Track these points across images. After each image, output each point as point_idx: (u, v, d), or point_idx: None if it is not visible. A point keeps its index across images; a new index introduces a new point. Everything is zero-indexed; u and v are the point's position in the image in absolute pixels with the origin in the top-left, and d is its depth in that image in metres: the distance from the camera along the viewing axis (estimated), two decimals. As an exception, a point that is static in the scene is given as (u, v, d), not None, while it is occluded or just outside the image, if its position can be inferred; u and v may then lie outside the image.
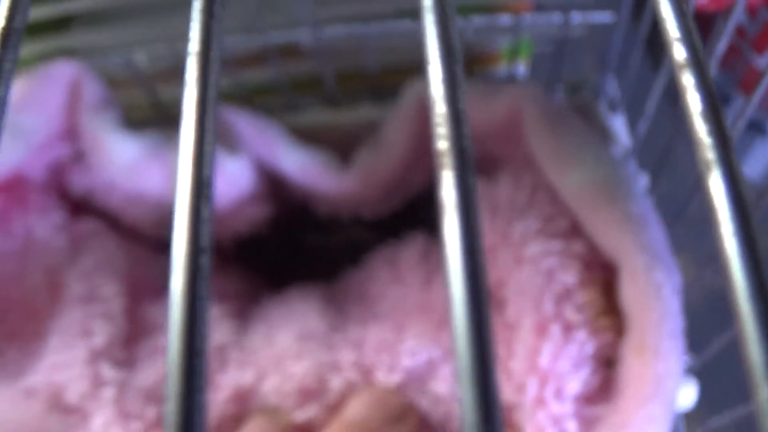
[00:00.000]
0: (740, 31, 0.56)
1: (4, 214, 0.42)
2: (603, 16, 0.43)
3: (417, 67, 0.48)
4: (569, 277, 0.37)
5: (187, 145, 0.16)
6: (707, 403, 0.38)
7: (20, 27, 0.18)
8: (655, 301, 0.34)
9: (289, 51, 0.47)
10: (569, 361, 0.35)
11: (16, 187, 0.42)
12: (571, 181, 0.37)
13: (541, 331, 0.36)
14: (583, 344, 0.36)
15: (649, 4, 0.40)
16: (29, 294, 0.42)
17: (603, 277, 0.37)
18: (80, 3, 0.44)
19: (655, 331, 0.34)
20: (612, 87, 0.47)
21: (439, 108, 0.16)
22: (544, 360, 0.36)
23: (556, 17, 0.43)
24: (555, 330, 0.36)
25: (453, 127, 0.16)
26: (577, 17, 0.43)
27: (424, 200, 0.46)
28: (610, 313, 0.36)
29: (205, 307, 0.15)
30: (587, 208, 0.37)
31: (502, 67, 0.52)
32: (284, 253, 0.50)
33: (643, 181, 0.44)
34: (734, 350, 0.36)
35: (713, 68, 0.39)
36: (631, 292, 0.35)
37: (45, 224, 0.43)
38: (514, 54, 0.51)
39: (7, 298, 0.42)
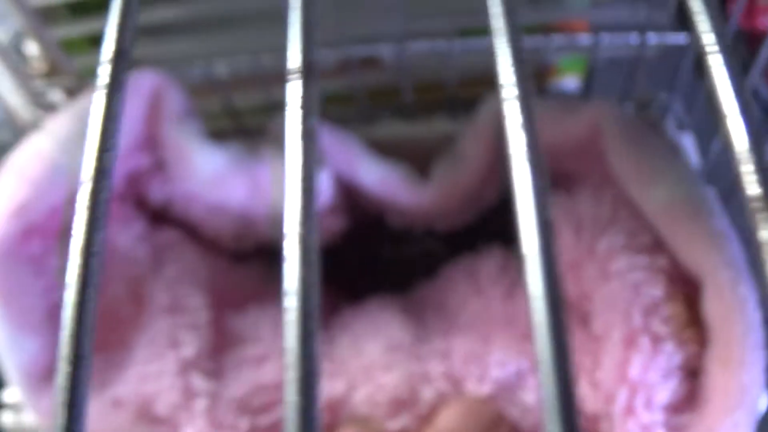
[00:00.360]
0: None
1: None
2: (678, 38, 0.44)
3: (493, 80, 0.49)
4: (656, 290, 0.37)
5: (295, 160, 0.17)
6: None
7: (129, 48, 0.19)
8: (740, 314, 0.35)
9: (368, 63, 0.47)
10: (658, 371, 0.36)
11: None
12: (654, 197, 0.38)
13: (631, 342, 0.37)
14: (671, 355, 0.36)
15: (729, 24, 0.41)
16: (112, 304, 0.42)
17: (685, 290, 0.38)
18: (162, 13, 0.44)
19: (741, 343, 0.34)
20: (680, 106, 0.47)
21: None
22: (635, 371, 0.36)
23: (632, 37, 0.44)
24: (644, 342, 0.36)
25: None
26: (653, 38, 0.44)
27: (495, 212, 0.47)
28: (693, 326, 0.37)
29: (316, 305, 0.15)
30: (671, 224, 0.38)
31: (557, 82, 0.53)
32: (359, 264, 0.51)
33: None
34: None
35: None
36: (716, 306, 0.36)
37: (126, 234, 0.43)
38: (571, 68, 0.51)
39: None
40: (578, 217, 0.41)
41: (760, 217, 0.16)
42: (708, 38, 0.18)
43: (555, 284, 0.15)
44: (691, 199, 0.38)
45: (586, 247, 0.40)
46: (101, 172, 0.18)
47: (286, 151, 0.17)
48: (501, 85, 0.18)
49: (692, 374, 0.37)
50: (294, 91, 0.17)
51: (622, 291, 0.38)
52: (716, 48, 0.17)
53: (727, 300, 0.35)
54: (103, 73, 0.19)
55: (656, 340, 0.37)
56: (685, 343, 0.37)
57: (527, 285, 0.15)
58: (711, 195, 0.38)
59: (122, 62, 0.19)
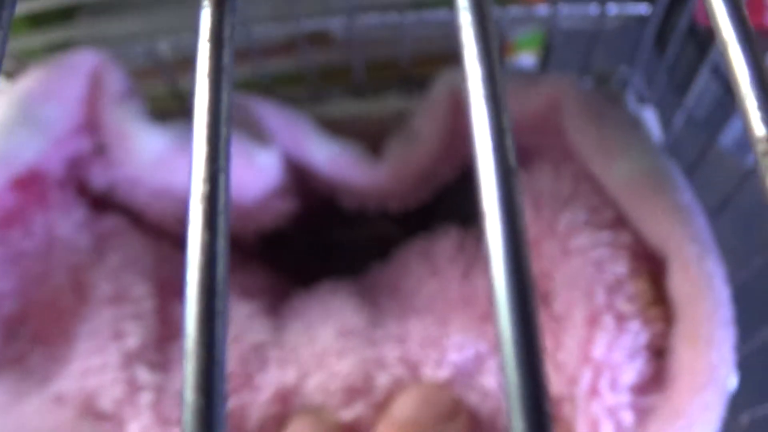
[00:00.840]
0: None
1: (22, 213, 0.40)
2: (639, 8, 0.43)
3: (448, 57, 0.47)
4: (619, 267, 0.36)
5: (201, 134, 0.14)
6: (756, 390, 0.38)
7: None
8: (708, 290, 0.34)
9: (318, 39, 0.45)
10: (624, 351, 0.35)
11: (34, 183, 0.40)
12: (617, 171, 0.37)
13: (594, 322, 0.36)
14: (637, 334, 0.35)
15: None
16: (53, 295, 0.40)
17: (650, 267, 0.37)
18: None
19: (708, 320, 0.34)
20: (640, 80, 0.46)
21: (477, 101, 0.15)
22: (598, 351, 0.35)
23: (592, 8, 0.43)
24: (608, 321, 0.35)
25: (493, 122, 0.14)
26: (612, 8, 0.42)
27: (450, 192, 0.45)
28: (659, 303, 0.36)
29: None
30: (634, 199, 0.37)
31: (514, 59, 0.51)
32: (309, 248, 0.49)
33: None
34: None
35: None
36: (682, 283, 0.35)
37: (67, 222, 0.41)
38: (527, 45, 0.50)
39: (30, 299, 0.40)
40: (537, 193, 0.40)
41: (767, 161, 0.14)
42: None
43: (522, 265, 0.13)
44: (654, 173, 0.37)
45: (546, 223, 0.39)
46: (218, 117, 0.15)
47: (194, 92, 0.15)
48: (464, 57, 0.15)
49: (659, 353, 0.36)
50: (205, 20, 0.15)
51: (584, 268, 0.37)
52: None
53: (694, 276, 0.34)
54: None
55: (621, 319, 0.35)
56: (650, 321, 0.36)
57: (490, 266, 0.13)
58: (674, 168, 0.37)
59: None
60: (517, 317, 0.13)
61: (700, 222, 0.36)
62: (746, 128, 0.15)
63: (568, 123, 0.39)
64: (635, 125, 0.40)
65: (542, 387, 0.12)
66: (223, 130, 0.15)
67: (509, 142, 0.14)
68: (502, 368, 0.13)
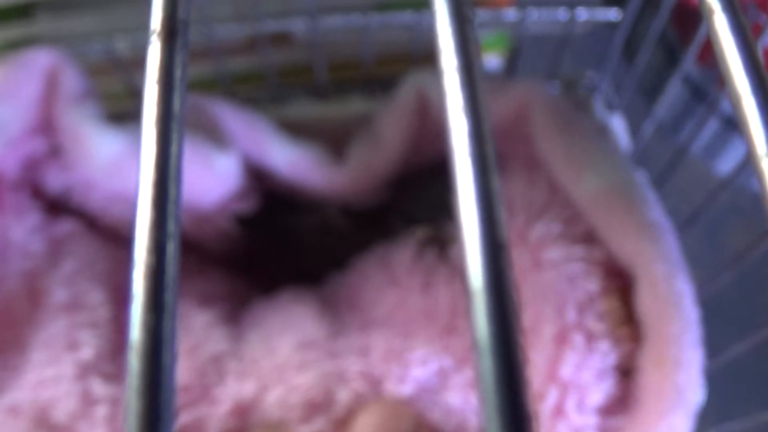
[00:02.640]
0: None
1: None
2: (609, 14, 0.42)
3: (412, 57, 0.46)
4: (591, 284, 0.36)
5: (150, 137, 0.13)
6: (725, 405, 0.38)
7: None
8: (676, 311, 0.34)
9: (279, 39, 0.44)
10: (592, 371, 0.35)
11: None
12: (585, 185, 0.36)
13: (564, 340, 0.35)
14: (606, 355, 0.35)
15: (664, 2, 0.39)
16: (6, 301, 0.39)
17: (620, 284, 0.36)
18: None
19: (676, 342, 0.33)
20: (608, 86, 0.45)
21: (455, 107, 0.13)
22: (567, 370, 0.35)
23: (561, 13, 0.42)
24: (578, 339, 0.35)
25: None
26: (582, 14, 0.41)
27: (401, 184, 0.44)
28: (628, 322, 0.35)
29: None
30: (603, 215, 0.36)
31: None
32: (257, 234, 0.47)
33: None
34: (749, 356, 0.36)
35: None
36: (650, 302, 0.35)
37: (20, 226, 0.40)
38: (492, 46, 0.49)
39: None
40: (510, 199, 0.39)
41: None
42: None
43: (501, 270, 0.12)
44: (622, 188, 0.37)
45: (517, 232, 0.38)
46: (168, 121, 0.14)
47: (141, 141, 0.14)
48: (440, 54, 0.15)
49: (626, 374, 0.35)
50: (153, 58, 0.14)
51: (555, 283, 0.36)
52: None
53: (662, 295, 0.34)
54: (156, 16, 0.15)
55: (591, 338, 0.35)
56: (620, 341, 0.36)
57: (466, 276, 0.12)
58: (644, 182, 0.37)
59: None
60: (495, 325, 0.12)
61: (669, 239, 0.35)
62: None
63: (537, 131, 0.38)
64: (603, 136, 0.39)
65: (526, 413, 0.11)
66: (173, 187, 0.13)
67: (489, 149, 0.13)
68: (479, 379, 0.12)
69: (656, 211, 0.36)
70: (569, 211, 0.38)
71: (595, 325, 0.35)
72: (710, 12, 0.15)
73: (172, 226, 0.13)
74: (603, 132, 0.42)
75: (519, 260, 0.38)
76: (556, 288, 0.36)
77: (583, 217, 0.37)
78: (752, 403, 0.39)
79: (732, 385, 0.38)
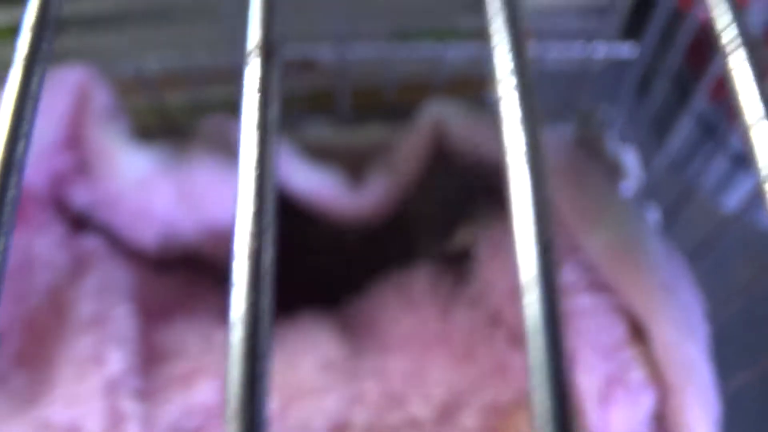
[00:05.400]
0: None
1: None
2: (626, 50, 0.43)
3: (433, 87, 0.48)
4: (620, 331, 0.36)
5: (248, 188, 0.15)
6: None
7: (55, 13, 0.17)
8: (689, 375, 0.35)
9: (304, 64, 0.45)
10: (635, 421, 0.36)
11: None
12: (596, 239, 0.38)
13: (606, 394, 0.36)
14: (646, 404, 0.36)
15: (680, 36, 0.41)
16: (33, 314, 0.40)
17: (639, 332, 0.37)
18: (91, 3, 0.42)
19: (690, 404, 0.35)
20: (622, 119, 0.47)
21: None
22: (616, 423, 0.35)
23: (577, 48, 0.43)
24: (620, 393, 0.35)
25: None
26: (599, 50, 0.43)
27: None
28: (654, 365, 0.36)
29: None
30: (613, 269, 0.38)
31: (490, 92, 0.52)
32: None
33: (654, 217, 0.44)
34: (754, 385, 0.37)
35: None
36: (665, 361, 0.36)
37: (45, 240, 0.41)
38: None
39: (11, 318, 0.39)
40: None
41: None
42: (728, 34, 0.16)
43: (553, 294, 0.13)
44: (632, 243, 0.38)
45: None
46: (11, 165, 0.15)
47: (240, 147, 0.15)
48: (498, 80, 0.17)
49: (660, 419, 0.36)
50: (252, 75, 0.15)
51: (589, 331, 0.37)
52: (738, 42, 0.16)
53: (676, 359, 0.35)
54: (23, 42, 0.17)
55: (631, 389, 0.36)
56: (652, 387, 0.36)
57: (523, 292, 0.13)
58: (654, 234, 0.38)
59: (46, 29, 0.17)
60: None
61: (681, 296, 0.37)
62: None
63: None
64: (614, 181, 0.40)
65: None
66: (271, 184, 0.15)
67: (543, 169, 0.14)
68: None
69: (668, 267, 0.37)
70: (589, 257, 0.39)
71: (634, 375, 0.36)
72: (725, 52, 0.17)
73: (269, 216, 0.15)
74: (615, 171, 0.43)
75: None
76: (590, 336, 0.37)
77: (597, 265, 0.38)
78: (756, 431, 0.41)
79: (737, 413, 0.39)
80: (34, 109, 0.16)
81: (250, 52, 0.16)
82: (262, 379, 0.13)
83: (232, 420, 0.13)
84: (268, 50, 0.16)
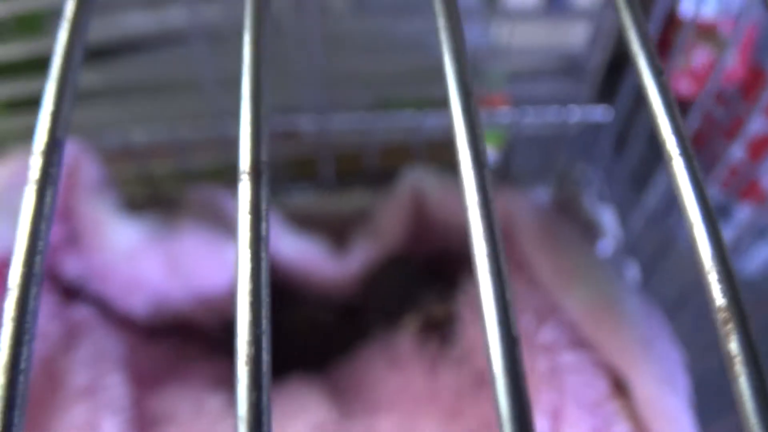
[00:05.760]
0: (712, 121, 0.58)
1: None
2: (600, 113, 0.45)
3: (413, 152, 0.49)
4: (603, 386, 0.37)
5: (244, 301, 0.16)
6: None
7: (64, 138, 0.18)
8: (671, 426, 0.36)
9: (287, 134, 0.47)
10: None
11: (4, 273, 0.40)
12: (575, 298, 0.39)
13: None
14: None
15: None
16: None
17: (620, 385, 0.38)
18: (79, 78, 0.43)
19: None
20: (599, 178, 0.48)
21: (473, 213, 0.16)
22: None
23: (552, 112, 0.44)
24: None
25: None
26: (576, 113, 0.44)
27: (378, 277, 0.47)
28: (637, 421, 0.37)
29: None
30: (593, 328, 0.38)
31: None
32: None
33: (632, 272, 0.45)
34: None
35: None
36: (647, 414, 0.37)
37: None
38: (489, 140, 0.52)
39: None
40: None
41: (726, 328, 0.16)
42: (671, 142, 0.18)
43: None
44: (610, 302, 0.39)
45: (524, 333, 0.40)
46: (30, 278, 0.17)
47: (237, 259, 0.17)
48: (459, 161, 0.18)
49: None
50: (244, 193, 0.17)
51: (571, 387, 0.38)
52: (678, 152, 0.17)
53: (657, 413, 0.36)
54: (35, 165, 0.18)
55: None
56: None
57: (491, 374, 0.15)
58: (632, 295, 0.39)
59: (56, 154, 0.18)
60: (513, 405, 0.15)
61: (660, 353, 0.38)
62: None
63: (523, 243, 0.40)
64: (590, 242, 0.41)
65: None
66: (264, 294, 0.16)
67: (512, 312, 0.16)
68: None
69: (644, 324, 0.38)
70: (569, 316, 0.39)
71: (618, 428, 0.36)
72: (669, 157, 0.18)
73: (264, 323, 0.16)
74: (592, 230, 0.44)
75: (535, 364, 0.39)
76: (575, 392, 0.37)
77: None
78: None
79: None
80: (48, 228, 0.18)
81: (241, 173, 0.17)
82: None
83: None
84: (256, 171, 0.17)
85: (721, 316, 0.16)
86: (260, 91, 0.18)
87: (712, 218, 0.17)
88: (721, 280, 0.17)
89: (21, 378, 0.16)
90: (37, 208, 0.18)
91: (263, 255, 0.17)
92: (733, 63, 0.59)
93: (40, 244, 0.17)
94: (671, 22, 0.58)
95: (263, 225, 0.17)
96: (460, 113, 0.18)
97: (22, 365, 0.16)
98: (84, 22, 0.20)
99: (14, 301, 0.16)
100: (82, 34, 0.20)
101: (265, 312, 0.16)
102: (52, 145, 0.19)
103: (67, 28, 0.20)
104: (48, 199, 0.18)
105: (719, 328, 0.16)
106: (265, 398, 0.15)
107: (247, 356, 0.16)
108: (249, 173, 0.17)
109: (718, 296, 0.17)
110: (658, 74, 0.19)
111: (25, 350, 0.16)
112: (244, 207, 0.17)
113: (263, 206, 0.17)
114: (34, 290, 0.16)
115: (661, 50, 0.49)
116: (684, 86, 0.63)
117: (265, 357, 0.16)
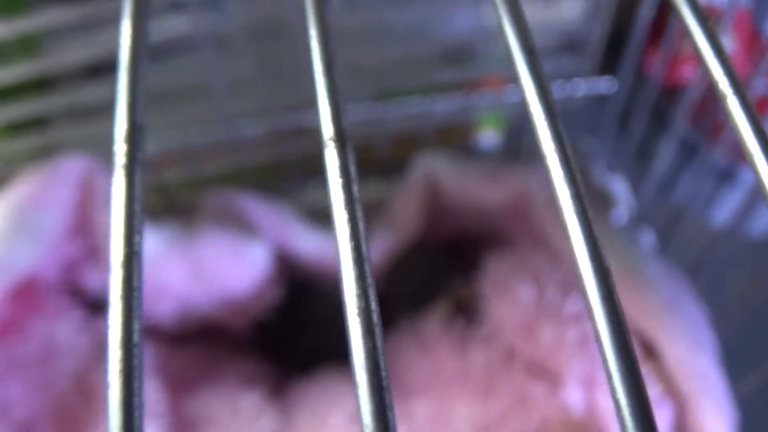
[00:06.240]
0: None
1: (20, 321, 0.41)
2: (604, 85, 0.45)
3: (423, 140, 0.49)
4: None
5: (343, 230, 0.18)
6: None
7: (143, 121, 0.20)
8: (703, 385, 0.37)
9: (298, 131, 0.47)
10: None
11: (30, 291, 0.41)
12: None
13: None
14: (667, 416, 0.37)
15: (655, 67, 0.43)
16: (60, 401, 0.41)
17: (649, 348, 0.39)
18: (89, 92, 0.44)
19: (707, 413, 0.36)
20: (607, 149, 0.49)
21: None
22: None
23: (558, 87, 0.45)
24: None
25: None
26: (581, 86, 0.45)
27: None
28: (668, 382, 0.38)
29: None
30: (618, 294, 0.38)
31: (479, 136, 0.54)
32: (280, 320, 0.50)
33: (648, 238, 0.46)
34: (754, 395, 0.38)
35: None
36: (678, 374, 0.37)
37: (65, 326, 0.42)
38: (490, 123, 0.52)
39: (38, 406, 0.40)
40: (536, 274, 0.41)
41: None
42: (723, 83, 0.18)
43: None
44: (632, 269, 0.39)
45: (550, 305, 0.40)
46: (132, 257, 0.18)
47: (334, 223, 0.17)
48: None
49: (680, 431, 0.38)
50: (332, 159, 0.18)
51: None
52: (731, 91, 0.18)
53: (689, 373, 0.37)
54: (120, 151, 0.19)
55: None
56: (669, 401, 0.37)
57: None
58: (652, 260, 0.39)
59: (138, 137, 0.19)
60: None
61: (686, 311, 0.38)
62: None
63: (540, 219, 0.41)
64: (605, 210, 0.42)
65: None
66: (365, 250, 0.17)
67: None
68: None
69: (669, 286, 0.39)
70: None
71: (651, 391, 0.37)
72: (723, 96, 0.19)
73: (369, 278, 0.17)
74: (605, 199, 0.45)
75: (565, 335, 0.40)
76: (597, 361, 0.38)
77: None
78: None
79: (749, 417, 0.40)
80: (140, 209, 0.18)
81: (326, 142, 0.18)
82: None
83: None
84: (341, 138, 0.18)
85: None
86: (332, 66, 0.19)
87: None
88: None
89: (135, 351, 0.16)
90: (128, 191, 0.18)
91: (359, 214, 0.18)
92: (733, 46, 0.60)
93: (136, 224, 0.18)
94: (666, 4, 0.59)
95: (355, 187, 0.18)
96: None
97: (135, 339, 0.16)
98: (146, 9, 0.21)
99: (120, 280, 0.17)
100: (144, 22, 0.21)
101: (368, 268, 0.17)
102: (134, 130, 0.20)
103: (130, 17, 0.21)
104: (137, 181, 0.19)
105: None
106: (380, 344, 0.16)
107: (358, 308, 0.17)
108: (334, 140, 0.18)
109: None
110: (704, 21, 0.19)
111: (135, 324, 0.16)
112: (334, 171, 0.18)
113: (352, 169, 0.18)
114: (137, 268, 0.17)
115: (656, 33, 0.49)
116: (689, 71, 0.63)
117: (374, 307, 0.17)
